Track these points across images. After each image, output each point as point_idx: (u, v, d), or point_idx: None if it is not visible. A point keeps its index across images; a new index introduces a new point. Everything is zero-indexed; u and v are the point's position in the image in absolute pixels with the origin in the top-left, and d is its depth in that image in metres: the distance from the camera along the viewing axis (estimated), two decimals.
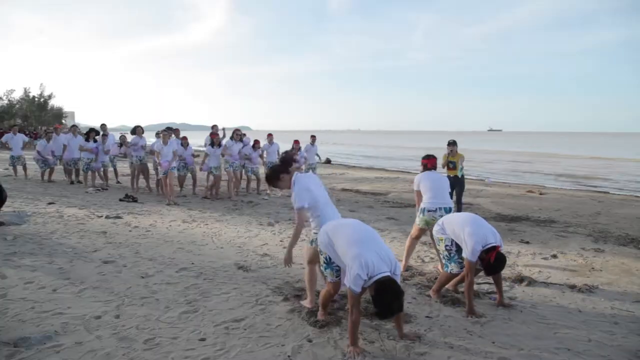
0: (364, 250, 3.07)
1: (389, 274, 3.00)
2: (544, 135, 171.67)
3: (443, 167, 8.42)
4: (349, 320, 3.12)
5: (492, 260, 3.81)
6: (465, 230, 3.95)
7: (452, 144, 8.63)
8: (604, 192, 14.74)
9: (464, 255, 3.95)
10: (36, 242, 5.66)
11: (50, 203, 8.68)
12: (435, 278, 4.65)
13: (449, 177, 7.95)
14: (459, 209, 8.24)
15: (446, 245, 4.19)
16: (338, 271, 3.45)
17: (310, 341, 3.24)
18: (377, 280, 2.95)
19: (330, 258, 3.42)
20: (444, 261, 4.26)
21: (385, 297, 2.90)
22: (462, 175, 8.66)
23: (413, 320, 3.68)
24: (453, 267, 4.14)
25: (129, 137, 11.84)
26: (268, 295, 4.16)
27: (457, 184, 8.44)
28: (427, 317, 3.77)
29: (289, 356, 3.03)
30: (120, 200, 9.48)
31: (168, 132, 9.90)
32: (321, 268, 3.60)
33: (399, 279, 3.11)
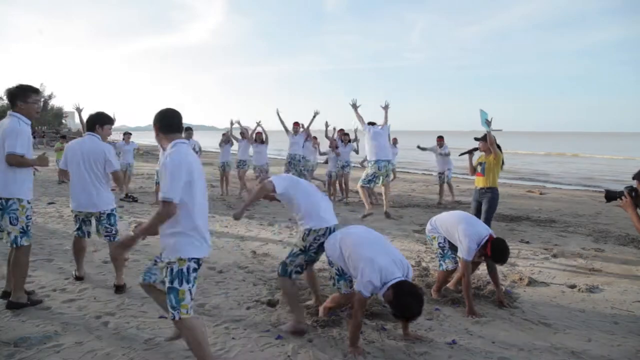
0: (377, 255, 3.02)
1: (402, 278, 2.98)
2: (545, 135, 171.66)
3: (471, 174, 6.01)
4: (352, 323, 3.11)
5: (489, 253, 3.83)
6: (459, 228, 3.95)
7: (483, 139, 5.68)
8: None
9: (459, 255, 3.96)
10: (36, 242, 5.63)
11: (50, 203, 8.68)
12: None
13: (476, 189, 5.75)
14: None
15: (439, 243, 4.20)
16: (352, 282, 3.34)
17: (310, 341, 3.24)
18: (392, 285, 2.91)
19: (342, 269, 3.34)
20: (438, 260, 4.26)
21: (405, 299, 2.86)
22: (494, 191, 5.60)
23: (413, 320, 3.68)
24: (448, 264, 4.14)
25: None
26: (268, 295, 4.16)
27: (485, 199, 5.62)
28: (427, 317, 3.77)
29: (289, 356, 3.02)
30: (121, 200, 9.47)
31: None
32: (332, 282, 3.51)
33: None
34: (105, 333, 3.26)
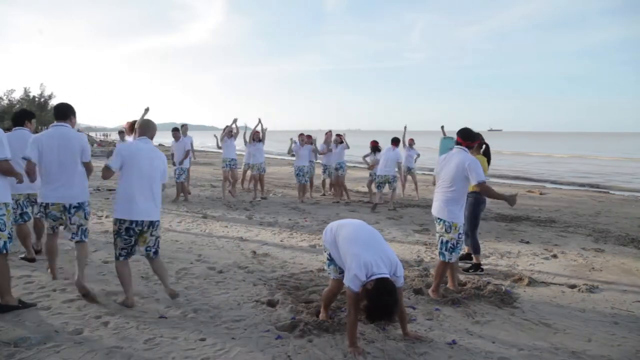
0: (364, 251, 3.06)
1: (388, 275, 2.99)
2: (545, 136, 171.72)
3: None
4: (348, 321, 3.13)
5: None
6: (473, 174, 4.10)
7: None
8: (604, 192, 14.74)
9: (474, 182, 4.11)
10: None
11: None
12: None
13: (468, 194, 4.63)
14: (474, 244, 5.23)
15: (459, 234, 4.19)
16: (342, 268, 3.41)
17: (310, 341, 3.24)
18: (377, 278, 2.93)
19: (331, 255, 3.43)
20: (445, 251, 4.20)
21: (383, 295, 2.86)
22: (474, 195, 5.08)
23: (413, 320, 3.68)
24: (453, 257, 4.19)
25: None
26: (268, 295, 4.16)
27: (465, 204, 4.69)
28: (427, 317, 3.77)
29: (289, 356, 3.02)
30: None
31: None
32: (325, 266, 3.64)
33: (401, 280, 3.11)
34: (105, 333, 3.26)
